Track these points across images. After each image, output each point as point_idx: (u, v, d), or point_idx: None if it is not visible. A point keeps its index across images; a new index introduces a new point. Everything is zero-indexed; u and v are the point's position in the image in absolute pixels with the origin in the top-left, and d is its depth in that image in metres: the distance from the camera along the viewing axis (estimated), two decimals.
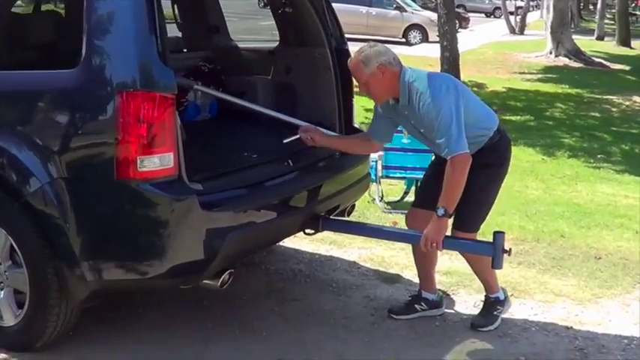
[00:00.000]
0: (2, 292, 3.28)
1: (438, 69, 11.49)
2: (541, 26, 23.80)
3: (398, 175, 5.81)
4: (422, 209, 3.63)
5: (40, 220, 3.04)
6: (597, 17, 26.57)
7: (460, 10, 25.32)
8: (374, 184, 5.47)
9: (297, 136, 3.68)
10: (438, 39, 13.33)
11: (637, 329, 3.81)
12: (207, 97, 4.62)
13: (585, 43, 20.07)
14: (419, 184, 5.42)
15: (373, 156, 5.07)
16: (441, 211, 3.30)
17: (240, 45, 5.11)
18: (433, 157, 3.82)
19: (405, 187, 5.87)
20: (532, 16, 32.62)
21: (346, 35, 4.34)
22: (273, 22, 4.53)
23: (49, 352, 3.27)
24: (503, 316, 3.79)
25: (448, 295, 4.09)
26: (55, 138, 3.02)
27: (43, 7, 4.38)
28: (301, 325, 3.70)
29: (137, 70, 2.95)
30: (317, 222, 3.65)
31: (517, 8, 30.33)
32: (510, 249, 3.46)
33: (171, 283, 3.17)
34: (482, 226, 3.66)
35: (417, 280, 3.97)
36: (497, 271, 3.68)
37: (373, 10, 22.27)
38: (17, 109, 3.15)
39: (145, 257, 3.02)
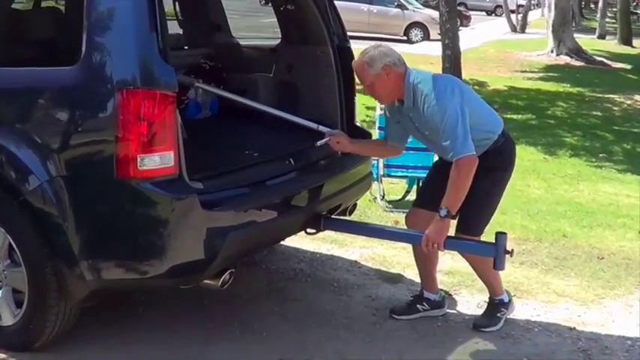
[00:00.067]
0: (1, 291, 3.25)
1: (439, 67, 11.46)
2: (542, 25, 23.77)
3: (399, 173, 5.79)
4: (423, 209, 3.61)
5: (39, 218, 3.01)
6: (598, 16, 26.53)
7: (461, 9, 25.23)
8: (375, 182, 5.44)
9: (327, 139, 3.66)
10: (439, 37, 13.30)
11: None
12: (208, 94, 4.59)
13: (586, 41, 20.03)
14: (420, 183, 5.42)
15: None
16: (443, 212, 3.28)
17: (242, 42, 5.08)
18: (437, 158, 3.79)
19: (406, 185, 5.85)
20: (533, 15, 32.55)
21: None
22: (275, 19, 4.50)
23: (48, 352, 3.24)
24: (506, 317, 3.76)
25: (450, 295, 4.07)
26: (54, 136, 2.99)
27: (43, 4, 4.35)
28: (302, 325, 3.67)
29: (137, 68, 2.92)
30: (318, 221, 3.63)
31: (518, 6, 30.27)
32: (512, 250, 3.44)
33: (171, 282, 3.14)
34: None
35: (418, 279, 3.94)
36: (499, 272, 3.65)
37: (374, 8, 22.23)
38: (16, 107, 3.12)
39: (145, 257, 2.99)
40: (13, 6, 4.04)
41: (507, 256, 3.39)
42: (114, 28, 2.99)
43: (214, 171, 3.27)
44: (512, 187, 5.97)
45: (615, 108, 12.01)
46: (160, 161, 2.91)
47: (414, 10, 23.01)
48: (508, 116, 10.51)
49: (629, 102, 12.61)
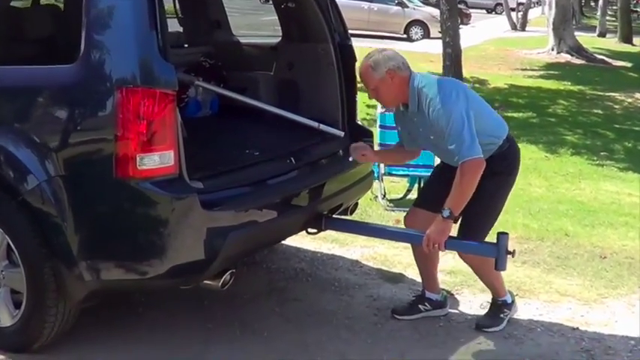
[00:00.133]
0: None
1: (439, 65, 11.45)
2: (542, 23, 23.75)
3: (401, 172, 5.75)
4: (423, 210, 3.59)
5: (38, 218, 2.99)
6: (599, 14, 26.49)
7: (461, 7, 25.19)
8: (376, 181, 5.41)
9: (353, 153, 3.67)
10: (439, 35, 13.27)
11: None
12: (209, 93, 4.56)
13: (587, 39, 20.00)
14: (422, 181, 5.40)
15: None
16: (446, 213, 3.26)
17: (242, 40, 5.05)
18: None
19: (407, 184, 5.82)
20: (533, 13, 32.53)
21: None
22: (275, 17, 4.47)
23: (47, 353, 3.21)
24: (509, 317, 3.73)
25: (452, 294, 4.04)
26: (52, 135, 2.97)
27: (42, 1, 4.32)
28: (303, 325, 3.65)
29: (137, 66, 2.89)
30: (320, 221, 3.61)
31: (518, 4, 30.21)
32: (514, 250, 3.41)
33: (171, 283, 3.11)
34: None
35: (419, 279, 3.91)
36: (501, 272, 3.62)
37: (375, 6, 22.18)
38: (14, 105, 3.09)
39: (145, 257, 2.97)
40: (12, 3, 4.01)
41: (509, 256, 3.37)
42: (113, 26, 2.96)
43: (214, 170, 3.24)
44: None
45: (616, 106, 12.00)
46: (159, 160, 2.88)
47: (414, 8, 22.98)
48: (509, 114, 10.49)
49: (630, 100, 12.60)
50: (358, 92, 4.19)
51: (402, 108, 3.48)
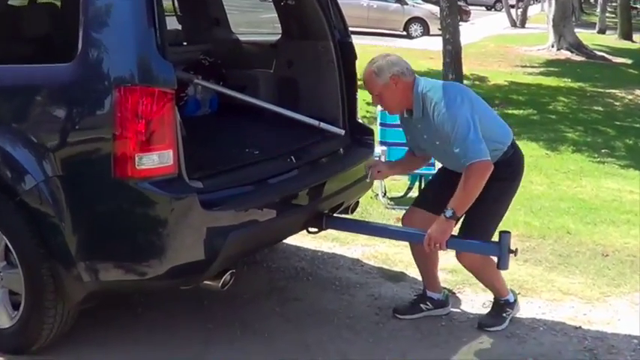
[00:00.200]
0: None
1: (439, 62, 11.40)
2: (542, 19, 23.72)
3: None
4: (422, 210, 3.57)
5: (36, 219, 2.96)
6: (598, 10, 26.47)
7: (461, 3, 25.14)
8: None
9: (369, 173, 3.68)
10: (439, 32, 13.23)
11: None
12: (208, 91, 4.53)
13: (587, 36, 19.99)
14: (422, 180, 5.37)
15: (377, 151, 4.99)
16: (449, 213, 3.24)
17: (242, 38, 5.02)
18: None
19: (408, 182, 5.79)
20: (533, 10, 32.51)
21: None
22: (275, 14, 4.44)
23: (45, 354, 3.19)
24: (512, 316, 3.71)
25: (454, 293, 4.01)
26: (50, 134, 2.94)
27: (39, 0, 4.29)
28: (304, 325, 3.62)
29: (135, 64, 2.86)
30: (320, 220, 3.58)
31: (518, 1, 30.19)
32: (516, 249, 3.39)
33: (170, 284, 3.09)
34: None
35: (421, 278, 3.88)
36: (502, 272, 3.59)
37: (374, 3, 22.13)
38: (11, 105, 3.06)
39: (144, 257, 2.94)
40: (9, 2, 3.98)
41: (511, 255, 3.34)
42: (111, 24, 2.93)
43: (214, 169, 3.21)
44: None
45: (617, 103, 11.97)
46: (158, 160, 2.85)
47: (413, 5, 22.94)
48: (509, 111, 10.47)
49: (630, 97, 12.58)
50: (358, 90, 4.16)
51: (406, 114, 3.47)
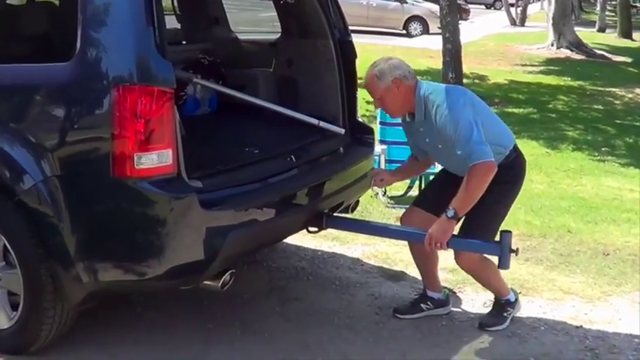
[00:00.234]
0: None
1: (439, 61, 11.38)
2: (542, 18, 23.71)
3: None
4: (421, 210, 3.56)
5: (34, 219, 2.94)
6: (598, 9, 26.45)
7: (460, 2, 25.09)
8: None
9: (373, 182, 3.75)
10: (438, 31, 13.21)
11: None
12: (207, 90, 4.51)
13: (586, 35, 19.96)
14: (423, 179, 5.36)
15: (377, 150, 4.99)
16: (451, 213, 3.22)
17: (241, 37, 5.01)
18: None
19: (408, 181, 5.77)
20: (532, 8, 32.47)
21: None
22: (274, 13, 4.42)
23: (44, 355, 3.17)
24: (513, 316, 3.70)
25: (454, 292, 4.00)
26: (48, 134, 2.92)
27: None
28: (304, 325, 3.61)
29: (134, 63, 2.84)
30: (320, 220, 3.56)
31: (517, 0, 30.18)
32: (518, 248, 3.39)
33: (170, 284, 3.07)
34: None
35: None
36: (502, 271, 3.58)
37: (373, 2, 22.12)
38: (9, 105, 3.04)
39: (143, 258, 2.92)
40: (7, 1, 3.96)
41: (512, 254, 3.33)
42: (110, 23, 2.91)
43: (213, 169, 3.19)
44: None
45: (617, 101, 11.96)
46: (157, 160, 2.83)
47: (413, 4, 22.92)
48: (509, 110, 10.47)
49: (630, 95, 12.57)
50: (358, 89, 4.14)
51: (408, 118, 3.47)
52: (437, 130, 3.30)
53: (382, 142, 5.57)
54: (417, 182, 5.57)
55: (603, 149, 8.22)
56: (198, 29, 5.02)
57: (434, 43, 15.23)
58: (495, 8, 36.16)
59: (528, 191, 6.12)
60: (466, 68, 11.65)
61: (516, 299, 3.73)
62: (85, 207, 2.89)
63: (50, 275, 2.97)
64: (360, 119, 4.24)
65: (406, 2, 22.65)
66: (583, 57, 17.00)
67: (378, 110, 5.63)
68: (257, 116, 4.12)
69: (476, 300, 3.93)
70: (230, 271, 3.10)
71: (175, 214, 2.88)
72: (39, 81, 2.99)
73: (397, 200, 5.62)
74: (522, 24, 26.53)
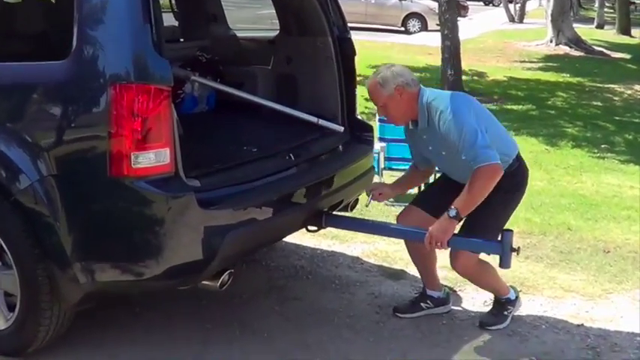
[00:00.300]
0: None
1: (438, 58, 11.37)
2: (540, 14, 23.69)
3: (401, 166, 5.67)
4: (419, 209, 3.54)
5: (30, 219, 2.91)
6: (597, 5, 26.42)
7: None
8: (376, 176, 5.34)
9: (371, 197, 3.69)
10: (437, 28, 13.21)
11: None
12: (205, 88, 4.49)
13: (585, 31, 19.94)
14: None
15: (376, 147, 4.96)
16: (452, 212, 3.20)
17: (239, 34, 4.98)
18: None
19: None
20: (531, 5, 32.44)
21: None
22: (273, 10, 4.40)
23: (42, 356, 3.14)
24: (513, 314, 3.67)
25: (455, 291, 3.97)
26: (44, 133, 2.89)
27: None
28: (303, 324, 3.58)
29: (131, 61, 2.81)
30: (320, 218, 3.54)
31: None
32: (519, 247, 3.36)
33: (168, 284, 3.04)
34: None
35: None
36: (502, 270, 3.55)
37: None
38: (5, 103, 3.00)
39: (141, 258, 2.89)
40: None
41: (513, 253, 3.30)
42: (106, 21, 2.88)
43: (212, 168, 3.16)
44: None
45: (616, 98, 11.95)
46: (154, 159, 2.80)
47: (411, 1, 22.86)
48: (508, 107, 10.46)
49: (629, 92, 12.56)
50: (357, 86, 4.12)
51: (411, 126, 3.45)
52: (440, 137, 3.28)
53: (381, 139, 5.54)
54: None
55: (603, 146, 8.21)
56: (196, 27, 4.99)
57: (432, 40, 15.20)
58: (494, 5, 36.16)
59: (528, 188, 6.01)
60: (465, 65, 11.64)
61: (517, 297, 3.70)
62: (82, 207, 2.86)
63: (47, 276, 2.94)
64: (359, 117, 4.21)
65: None
66: (582, 53, 17.00)
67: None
68: (255, 114, 4.10)
69: (476, 298, 3.90)
70: (229, 271, 3.08)
71: (173, 214, 2.86)
72: (35, 79, 2.96)
73: (396, 198, 5.56)
74: (521, 20, 26.51)
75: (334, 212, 3.69)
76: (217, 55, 4.75)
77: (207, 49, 4.78)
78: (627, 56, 17.31)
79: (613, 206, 5.82)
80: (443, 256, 3.83)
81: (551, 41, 17.73)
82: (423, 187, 4.80)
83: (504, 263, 3.31)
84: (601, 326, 3.68)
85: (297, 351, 3.35)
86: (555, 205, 5.72)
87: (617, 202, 5.96)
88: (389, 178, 5.84)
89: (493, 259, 3.49)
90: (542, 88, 12.39)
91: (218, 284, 3.06)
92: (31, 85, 2.96)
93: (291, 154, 3.53)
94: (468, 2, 29.97)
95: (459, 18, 11.91)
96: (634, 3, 33.10)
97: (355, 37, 4.28)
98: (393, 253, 4.49)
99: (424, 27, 21.92)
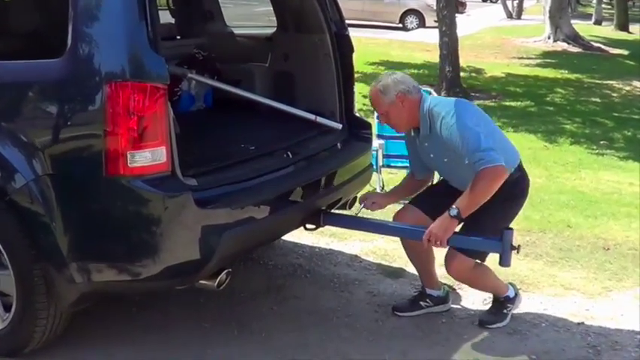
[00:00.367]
0: None
1: (436, 54, 11.34)
2: (538, 11, 23.68)
3: (399, 164, 5.68)
4: (417, 209, 3.52)
5: (26, 219, 2.89)
6: (594, 2, 26.41)
7: None
8: (375, 173, 5.32)
9: (363, 205, 3.68)
10: (435, 24, 13.17)
11: None
12: (202, 86, 4.46)
13: (583, 27, 19.93)
14: None
15: (374, 145, 4.94)
16: (454, 211, 3.18)
17: (236, 31, 4.95)
18: None
19: (406, 176, 5.73)
20: (529, 1, 32.41)
21: None
22: (270, 7, 4.37)
23: (38, 356, 3.12)
24: (513, 312, 3.65)
25: (454, 289, 3.94)
26: (40, 132, 2.86)
27: None
28: (302, 324, 3.56)
29: (127, 59, 2.79)
30: (318, 217, 3.52)
31: None
32: (519, 246, 3.33)
33: (165, 284, 3.02)
34: None
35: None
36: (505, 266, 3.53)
37: None
38: None
39: (137, 258, 2.87)
40: None
41: (513, 252, 3.28)
42: (101, 18, 2.85)
43: (209, 166, 3.14)
44: None
45: (614, 94, 11.93)
46: (151, 157, 2.77)
47: None
48: (507, 103, 10.43)
49: (628, 88, 12.54)
50: (355, 83, 4.09)
51: (412, 133, 3.44)
52: (443, 143, 3.26)
53: (380, 136, 5.52)
54: None
55: (602, 142, 8.19)
56: (192, 24, 4.97)
57: (430, 36, 15.18)
58: (492, 1, 36.09)
59: None
60: (463, 61, 11.61)
61: (516, 294, 3.68)
62: (78, 206, 2.83)
63: (43, 276, 2.92)
64: (357, 114, 4.19)
65: None
66: (580, 50, 16.99)
67: None
68: (253, 112, 4.07)
69: (476, 296, 3.88)
70: (226, 271, 3.05)
71: (170, 213, 2.83)
72: (29, 78, 2.93)
73: None
74: (519, 17, 26.48)
75: (332, 210, 3.66)
76: (214, 53, 4.72)
77: (204, 47, 4.75)
78: (625, 52, 17.30)
79: (612, 203, 5.80)
80: (442, 255, 3.81)
81: (549, 37, 17.71)
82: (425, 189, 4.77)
83: (504, 261, 3.29)
84: (601, 324, 3.65)
85: (295, 350, 3.32)
86: (554, 202, 5.69)
87: (617, 199, 5.94)
88: (387, 175, 5.84)
89: (492, 260, 3.46)
90: (540, 84, 12.37)
91: (216, 284, 3.04)
92: (26, 83, 2.93)
93: (288, 152, 3.51)
94: None
95: (456, 14, 11.87)
96: None
97: (353, 33, 4.25)
98: (391, 251, 4.46)
99: (422, 24, 21.87)
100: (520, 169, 3.44)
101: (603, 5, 26.08)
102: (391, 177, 5.91)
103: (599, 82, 12.86)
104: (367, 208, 3.66)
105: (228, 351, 3.30)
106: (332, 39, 3.94)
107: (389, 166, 5.75)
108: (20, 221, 2.91)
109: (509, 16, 26.55)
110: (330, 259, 4.39)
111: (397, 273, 4.20)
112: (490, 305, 3.68)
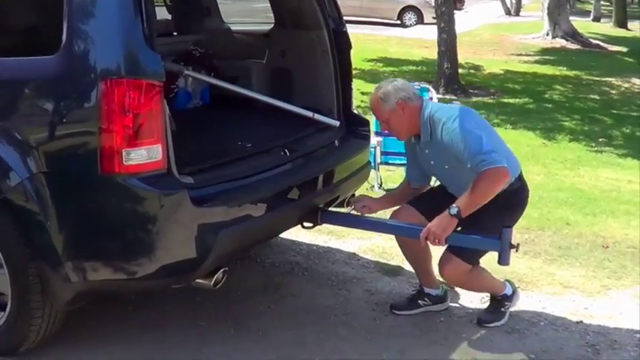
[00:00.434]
0: None
1: (434, 51, 11.33)
2: (537, 7, 23.63)
3: (397, 161, 5.67)
4: (414, 209, 3.50)
5: (21, 217, 2.86)
6: None
7: None
8: (373, 170, 5.31)
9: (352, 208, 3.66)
10: (433, 21, 13.15)
11: None
12: (199, 83, 4.44)
13: (581, 24, 19.92)
14: None
15: (372, 142, 4.92)
16: (454, 210, 3.16)
17: (233, 28, 4.92)
18: None
19: (403, 173, 5.70)
20: None
21: None
22: (267, 3, 4.34)
23: (34, 355, 3.09)
24: (511, 309, 3.63)
25: (452, 288, 3.91)
26: (34, 129, 2.84)
27: None
28: (299, 322, 3.54)
29: (122, 56, 2.76)
30: (315, 215, 3.49)
31: None
32: (518, 244, 3.31)
33: (161, 283, 3.00)
34: None
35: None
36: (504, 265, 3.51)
37: None
38: None
39: (133, 256, 2.85)
40: None
41: (512, 250, 3.25)
42: (97, 14, 2.82)
43: (205, 164, 3.11)
44: None
45: (613, 91, 11.94)
46: (146, 155, 2.75)
47: None
48: (505, 100, 10.43)
49: (626, 85, 12.55)
50: (353, 80, 4.07)
51: (413, 140, 3.42)
52: (444, 149, 3.24)
53: (378, 133, 5.50)
54: None
55: (600, 140, 8.19)
56: (189, 20, 4.94)
57: (429, 33, 15.17)
58: None
59: None
60: (461, 58, 11.61)
61: (514, 291, 3.66)
62: (73, 204, 2.81)
63: (38, 275, 2.89)
64: (355, 111, 4.17)
65: None
66: (578, 46, 17.00)
67: None
68: (250, 109, 4.05)
69: (474, 295, 3.85)
70: (223, 269, 3.03)
71: (166, 211, 2.81)
72: (24, 75, 2.90)
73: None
74: (517, 13, 26.48)
75: (330, 208, 3.64)
76: (211, 49, 4.69)
77: (201, 43, 4.73)
78: (624, 49, 17.31)
79: (611, 201, 5.79)
80: (439, 254, 3.79)
81: (547, 34, 17.72)
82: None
83: (503, 260, 3.26)
84: (600, 323, 3.64)
85: (292, 349, 3.31)
86: (553, 200, 5.68)
87: (616, 197, 5.93)
88: (385, 172, 5.82)
89: (490, 259, 3.44)
90: (538, 81, 12.37)
91: (212, 282, 3.02)
92: (21, 80, 2.90)
93: (286, 150, 3.49)
94: None
95: (455, 11, 11.85)
96: None
97: (351, 30, 4.23)
98: (389, 249, 4.44)
99: (420, 20, 21.85)
100: (521, 179, 3.43)
101: (602, 2, 26.09)
102: (389, 174, 5.90)
103: (598, 79, 12.87)
104: (357, 211, 3.63)
105: (225, 349, 3.28)
106: (330, 35, 3.91)
107: (387, 164, 5.74)
108: (15, 220, 2.88)
109: (508, 12, 26.54)
110: (327, 257, 4.37)
111: (395, 271, 4.18)
112: (488, 304, 3.66)
